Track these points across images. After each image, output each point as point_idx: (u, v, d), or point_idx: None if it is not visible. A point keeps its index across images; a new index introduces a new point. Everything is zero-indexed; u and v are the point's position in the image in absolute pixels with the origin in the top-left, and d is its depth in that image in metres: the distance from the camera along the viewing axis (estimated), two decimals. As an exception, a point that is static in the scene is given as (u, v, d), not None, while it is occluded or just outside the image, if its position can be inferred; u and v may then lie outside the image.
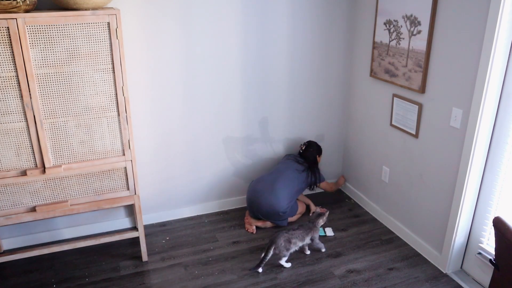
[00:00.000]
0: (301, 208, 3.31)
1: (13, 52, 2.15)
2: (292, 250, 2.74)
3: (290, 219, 3.22)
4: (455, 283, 2.63)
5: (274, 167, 3.37)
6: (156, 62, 2.88)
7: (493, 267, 1.99)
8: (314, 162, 3.32)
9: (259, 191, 3.10)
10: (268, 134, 3.42)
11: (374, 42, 3.07)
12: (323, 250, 2.94)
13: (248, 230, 3.18)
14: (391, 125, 3.04)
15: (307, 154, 3.32)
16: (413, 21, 2.65)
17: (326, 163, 3.73)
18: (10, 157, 2.34)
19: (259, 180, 3.18)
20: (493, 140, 2.40)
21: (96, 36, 2.27)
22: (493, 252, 2.26)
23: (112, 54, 2.33)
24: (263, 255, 2.70)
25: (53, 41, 2.20)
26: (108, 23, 2.27)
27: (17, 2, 2.09)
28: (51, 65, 2.25)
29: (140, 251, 2.87)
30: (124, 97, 2.43)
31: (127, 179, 2.62)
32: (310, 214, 3.41)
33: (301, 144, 3.40)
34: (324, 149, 3.67)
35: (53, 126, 2.36)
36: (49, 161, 2.41)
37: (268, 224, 3.18)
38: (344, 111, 3.60)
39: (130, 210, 3.19)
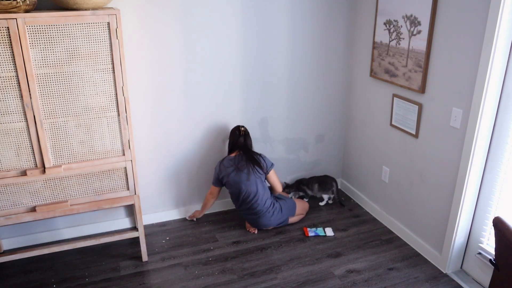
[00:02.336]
0: (300, 208, 3.29)
1: (13, 52, 2.15)
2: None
3: (292, 219, 3.22)
4: (455, 283, 2.63)
5: (236, 186, 3.03)
6: (156, 62, 2.88)
7: (493, 267, 1.99)
8: (248, 150, 3.06)
9: (254, 219, 3.08)
10: (268, 134, 3.42)
11: (374, 42, 3.07)
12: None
13: (250, 230, 3.17)
14: (391, 125, 3.04)
15: (245, 143, 3.06)
16: (413, 21, 2.65)
17: (327, 163, 3.73)
18: (10, 157, 2.34)
19: (248, 209, 3.06)
20: (493, 140, 2.40)
21: (96, 36, 2.27)
22: (493, 252, 2.25)
23: (112, 54, 2.33)
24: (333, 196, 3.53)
25: (53, 41, 2.20)
26: (108, 23, 2.27)
27: (17, 2, 2.09)
28: (51, 65, 2.25)
29: (140, 251, 2.87)
30: (124, 97, 2.43)
31: (127, 179, 2.62)
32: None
33: (237, 130, 3.09)
34: (324, 149, 3.67)
35: (53, 126, 2.36)
36: (49, 161, 2.41)
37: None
38: (344, 111, 3.60)
39: (130, 210, 3.19)
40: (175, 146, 3.15)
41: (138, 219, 2.73)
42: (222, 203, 3.46)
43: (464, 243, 2.66)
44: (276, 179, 3.17)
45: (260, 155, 3.09)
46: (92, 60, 2.31)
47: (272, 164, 3.12)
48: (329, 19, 3.24)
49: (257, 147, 3.40)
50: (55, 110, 2.33)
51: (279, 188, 3.20)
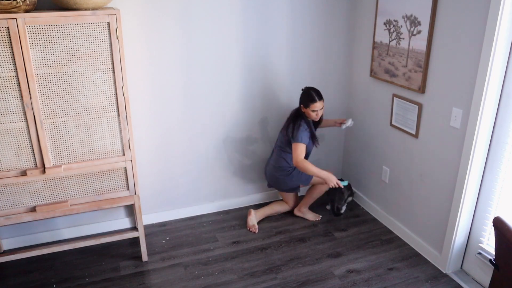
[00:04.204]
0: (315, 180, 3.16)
1: (13, 52, 2.15)
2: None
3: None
4: (455, 283, 2.63)
5: None
6: (156, 62, 2.88)
7: (493, 267, 1.99)
8: (295, 115, 3.02)
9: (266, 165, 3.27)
10: (268, 134, 3.42)
11: (374, 42, 3.07)
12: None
13: (250, 230, 3.18)
14: (391, 125, 3.04)
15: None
16: (413, 21, 2.65)
17: (326, 163, 3.73)
18: (10, 157, 2.34)
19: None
20: (493, 140, 2.40)
21: (96, 36, 2.27)
22: (493, 252, 2.25)
23: (112, 54, 2.33)
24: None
25: (53, 41, 2.20)
26: (108, 23, 2.27)
27: (17, 2, 2.09)
28: (51, 65, 2.25)
29: (140, 251, 2.87)
30: (124, 97, 2.43)
31: (127, 179, 2.62)
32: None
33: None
34: (324, 149, 3.66)
35: (53, 126, 2.36)
36: (49, 161, 2.41)
37: (267, 211, 3.30)
38: (344, 111, 3.60)
39: (130, 210, 3.19)
40: (175, 146, 3.15)
41: (138, 219, 2.73)
42: (222, 203, 3.47)
43: (464, 243, 2.66)
44: (293, 153, 2.92)
45: (298, 125, 2.92)
46: (92, 60, 2.31)
47: (299, 141, 2.90)
48: (329, 19, 3.24)
49: (257, 147, 3.41)
50: (55, 110, 2.33)
51: (293, 161, 2.95)
